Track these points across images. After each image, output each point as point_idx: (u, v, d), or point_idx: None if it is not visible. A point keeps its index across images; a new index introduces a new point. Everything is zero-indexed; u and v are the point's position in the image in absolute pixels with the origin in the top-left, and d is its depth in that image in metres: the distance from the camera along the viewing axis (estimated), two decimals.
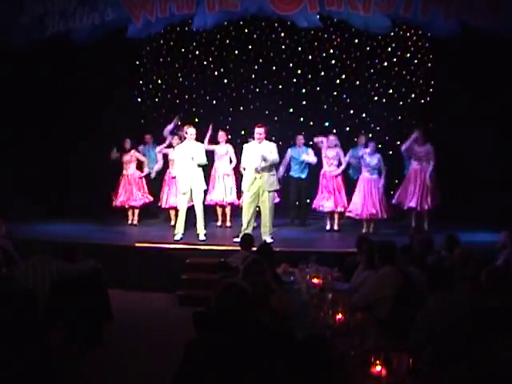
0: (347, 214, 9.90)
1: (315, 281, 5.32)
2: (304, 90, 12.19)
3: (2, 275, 5.67)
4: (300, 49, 12.08)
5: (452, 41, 9.64)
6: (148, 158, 10.89)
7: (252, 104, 12.19)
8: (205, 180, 9.27)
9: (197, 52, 12.20)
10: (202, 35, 11.78)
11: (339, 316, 3.96)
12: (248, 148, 8.85)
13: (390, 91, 11.89)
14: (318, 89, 12.14)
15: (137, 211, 10.72)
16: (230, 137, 10.65)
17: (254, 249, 6.50)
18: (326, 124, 12.10)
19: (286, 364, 2.80)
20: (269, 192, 8.73)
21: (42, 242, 5.99)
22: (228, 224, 10.40)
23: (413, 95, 11.83)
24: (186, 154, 9.02)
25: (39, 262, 5.53)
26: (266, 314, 3.57)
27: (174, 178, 10.07)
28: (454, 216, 9.75)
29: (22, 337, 4.95)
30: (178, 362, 3.01)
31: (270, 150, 8.69)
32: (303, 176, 10.52)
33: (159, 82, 12.45)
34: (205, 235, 9.03)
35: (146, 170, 10.80)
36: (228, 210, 10.41)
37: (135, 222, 10.73)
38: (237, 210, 10.15)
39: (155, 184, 10.81)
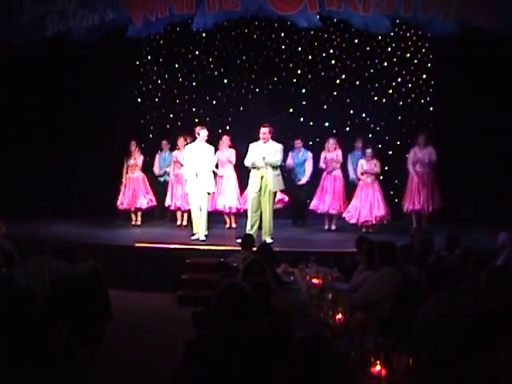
0: (344, 215, 9.95)
1: (315, 281, 5.33)
2: (304, 90, 12.18)
3: (2, 275, 5.68)
4: (300, 49, 12.07)
5: (452, 41, 9.65)
6: (163, 164, 10.86)
7: (252, 104, 12.18)
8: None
9: (197, 52, 12.19)
10: (202, 35, 11.78)
11: (339, 316, 3.96)
12: (253, 147, 8.85)
13: (390, 91, 11.88)
14: (318, 89, 12.13)
15: (140, 213, 10.72)
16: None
17: (254, 249, 6.50)
18: (326, 124, 12.11)
19: (286, 364, 2.80)
20: (271, 192, 8.73)
21: (42, 241, 5.96)
22: (234, 225, 10.37)
23: (413, 95, 11.82)
24: (195, 154, 9.04)
25: (39, 261, 5.53)
26: (265, 314, 3.57)
27: (178, 177, 10.19)
28: (454, 216, 9.75)
29: (21, 336, 4.95)
30: (178, 362, 3.01)
31: (275, 150, 8.68)
32: (303, 179, 10.54)
33: (159, 82, 12.44)
34: (205, 236, 9.04)
35: (160, 174, 10.79)
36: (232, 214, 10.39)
37: (138, 222, 10.73)
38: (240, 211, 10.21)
39: (160, 185, 10.83)
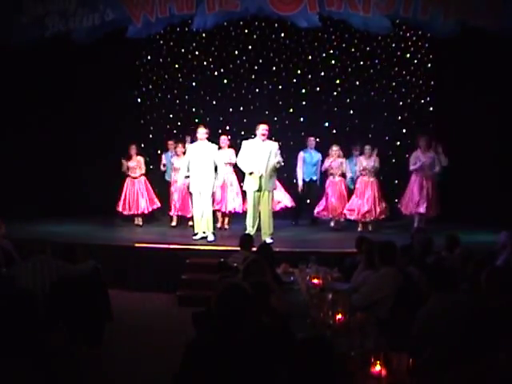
0: (344, 212, 9.96)
1: (315, 281, 5.33)
2: (304, 90, 12.20)
3: (2, 275, 5.67)
4: (300, 49, 12.09)
5: (452, 41, 9.65)
6: (169, 164, 10.84)
7: (252, 104, 12.21)
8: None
9: (197, 52, 12.20)
10: (202, 35, 11.78)
11: (339, 316, 3.97)
12: (248, 145, 8.81)
13: (390, 91, 11.90)
14: (318, 89, 12.15)
15: (142, 215, 10.72)
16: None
17: (254, 249, 6.50)
18: (326, 124, 12.12)
19: (286, 364, 2.80)
20: (269, 192, 8.73)
21: (42, 241, 5.95)
22: (226, 227, 10.34)
23: (413, 95, 11.84)
24: (198, 154, 9.06)
25: (39, 262, 5.52)
26: (265, 315, 3.57)
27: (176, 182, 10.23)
28: (453, 216, 9.75)
29: (21, 337, 4.95)
30: (178, 363, 3.01)
31: (270, 150, 8.65)
32: (314, 178, 10.58)
33: (159, 82, 12.45)
34: (213, 234, 9.07)
35: (171, 176, 10.73)
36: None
37: (140, 223, 10.74)
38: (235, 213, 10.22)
39: (161, 187, 10.83)
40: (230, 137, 10.46)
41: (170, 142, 10.97)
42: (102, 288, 6.05)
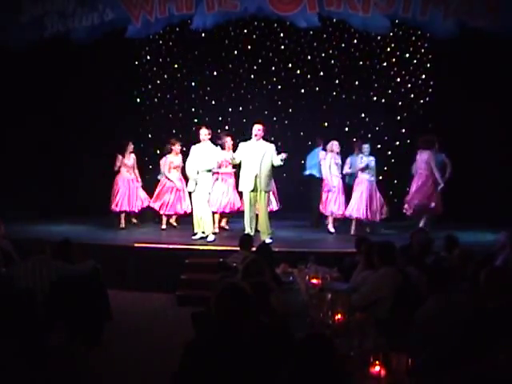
0: (346, 213, 9.91)
1: (314, 281, 5.32)
2: (303, 90, 12.20)
3: (2, 275, 5.68)
4: (299, 49, 12.09)
5: (451, 41, 9.66)
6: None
7: (251, 104, 12.20)
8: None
9: (196, 52, 12.19)
10: (202, 35, 11.77)
11: (338, 316, 3.96)
12: (243, 146, 8.82)
13: (389, 91, 11.90)
14: (317, 89, 12.15)
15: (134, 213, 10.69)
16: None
17: (254, 249, 6.51)
18: (325, 124, 12.11)
19: (286, 364, 2.80)
20: (265, 192, 8.74)
21: (41, 242, 5.94)
22: (226, 227, 10.29)
23: (412, 95, 11.84)
24: (197, 154, 9.07)
25: (38, 262, 5.53)
26: (265, 315, 3.57)
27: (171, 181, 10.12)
28: (453, 216, 9.74)
29: (21, 337, 4.95)
30: (177, 363, 3.01)
31: (265, 151, 8.62)
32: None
33: (158, 82, 12.44)
34: (214, 234, 9.07)
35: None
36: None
37: (134, 220, 10.74)
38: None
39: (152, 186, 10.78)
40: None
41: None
42: (101, 288, 6.05)
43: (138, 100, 12.48)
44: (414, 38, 11.62)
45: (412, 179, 9.66)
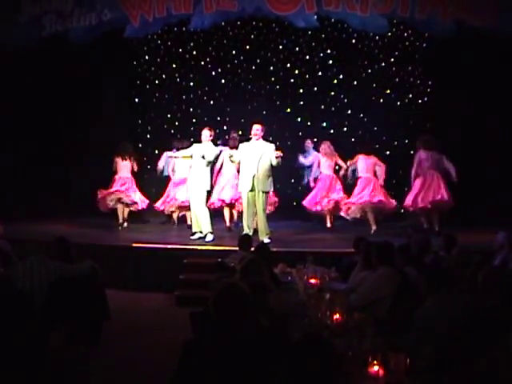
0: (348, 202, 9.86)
1: (313, 281, 5.33)
2: (301, 90, 12.21)
3: (0, 276, 5.66)
4: (297, 49, 12.11)
5: (449, 41, 9.66)
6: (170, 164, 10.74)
7: (249, 104, 12.21)
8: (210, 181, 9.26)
9: (194, 52, 12.21)
10: (200, 35, 11.78)
11: (337, 316, 3.96)
12: (243, 147, 8.83)
13: (388, 91, 11.91)
14: (316, 89, 12.16)
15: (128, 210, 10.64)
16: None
17: (252, 249, 6.50)
18: (324, 124, 12.12)
19: (285, 364, 2.80)
20: (263, 192, 8.73)
21: (40, 242, 5.94)
22: (233, 222, 10.19)
23: (410, 95, 11.85)
24: (197, 154, 9.08)
25: (37, 262, 5.51)
26: (263, 315, 3.57)
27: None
28: (453, 216, 9.74)
29: (19, 337, 4.94)
30: (176, 363, 3.01)
31: (263, 151, 8.63)
32: None
33: (156, 82, 12.45)
34: (211, 233, 9.04)
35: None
36: (235, 211, 10.14)
37: (125, 215, 10.62)
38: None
39: (151, 186, 10.77)
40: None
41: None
42: (100, 288, 6.05)
43: (137, 100, 12.48)
44: (412, 38, 11.63)
45: (413, 180, 9.64)
